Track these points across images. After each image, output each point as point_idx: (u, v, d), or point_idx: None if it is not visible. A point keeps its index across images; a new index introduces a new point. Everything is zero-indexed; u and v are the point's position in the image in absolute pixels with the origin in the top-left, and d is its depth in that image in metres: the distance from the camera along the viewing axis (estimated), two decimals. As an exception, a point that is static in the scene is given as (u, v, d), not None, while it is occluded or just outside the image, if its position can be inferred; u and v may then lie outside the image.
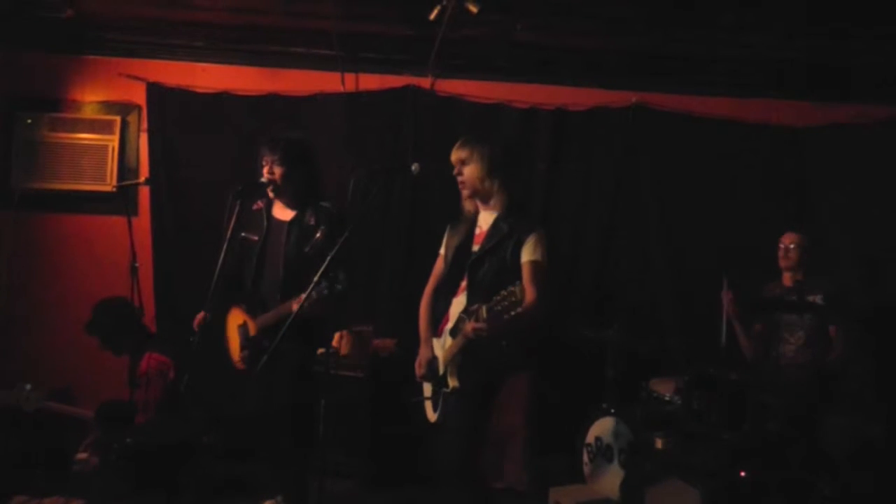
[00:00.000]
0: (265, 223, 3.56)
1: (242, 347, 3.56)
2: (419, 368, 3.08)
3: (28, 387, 3.69)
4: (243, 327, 3.56)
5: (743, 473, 3.32)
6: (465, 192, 3.05)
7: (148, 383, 3.66)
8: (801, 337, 3.99)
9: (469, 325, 2.74)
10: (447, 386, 2.91)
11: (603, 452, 3.81)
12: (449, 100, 4.82)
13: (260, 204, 3.62)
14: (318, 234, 3.42)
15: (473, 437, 2.93)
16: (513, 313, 2.55)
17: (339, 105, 4.74)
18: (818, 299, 3.89)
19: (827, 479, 3.60)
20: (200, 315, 3.53)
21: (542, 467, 4.32)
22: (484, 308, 2.67)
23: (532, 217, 3.02)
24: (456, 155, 3.02)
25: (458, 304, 2.97)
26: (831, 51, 4.45)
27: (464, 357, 2.85)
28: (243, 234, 3.57)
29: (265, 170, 3.50)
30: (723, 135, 4.91)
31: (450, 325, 3.00)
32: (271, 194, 3.54)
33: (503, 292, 2.57)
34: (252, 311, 3.52)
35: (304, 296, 3.06)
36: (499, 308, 2.59)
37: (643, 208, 4.91)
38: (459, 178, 3.02)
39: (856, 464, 3.70)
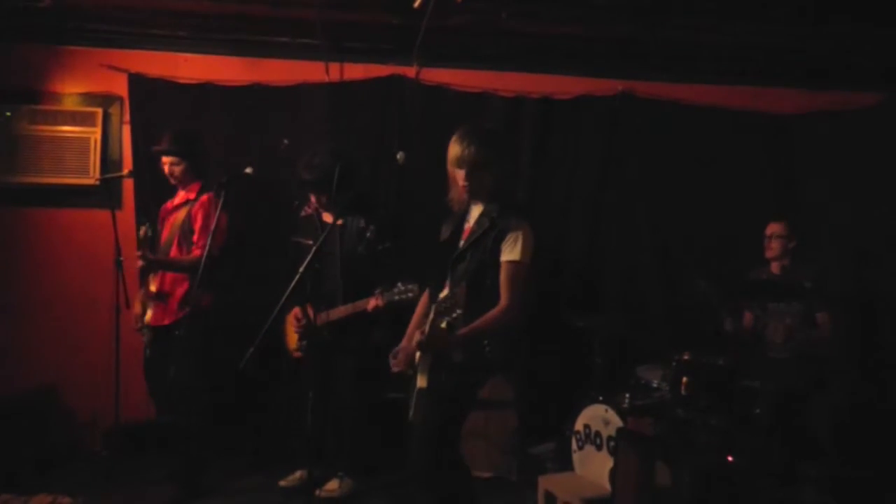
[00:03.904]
0: (318, 227, 3.90)
1: (301, 338, 3.89)
2: (392, 360, 3.02)
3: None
4: (306, 319, 3.84)
5: (731, 458, 3.35)
6: (461, 191, 2.93)
7: (203, 218, 3.87)
8: (787, 324, 4.02)
9: (416, 337, 2.78)
10: (416, 384, 2.87)
11: (592, 440, 3.83)
12: (435, 89, 4.80)
13: (308, 210, 4.00)
14: (368, 234, 3.82)
15: (441, 436, 2.80)
16: (454, 315, 2.58)
17: (323, 95, 4.70)
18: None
19: (814, 462, 3.65)
20: (297, 310, 3.88)
21: (530, 456, 4.36)
22: (429, 320, 2.69)
23: (519, 210, 2.90)
24: (451, 153, 2.88)
25: None
26: (817, 38, 4.46)
27: (434, 357, 2.80)
28: (297, 240, 3.98)
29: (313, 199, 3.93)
30: (709, 122, 4.91)
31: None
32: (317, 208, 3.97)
33: (448, 294, 2.62)
34: (316, 308, 3.68)
35: (378, 297, 3.55)
36: (441, 309, 2.62)
37: (630, 196, 4.90)
38: (462, 180, 2.88)
39: (842, 446, 3.75)
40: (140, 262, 3.79)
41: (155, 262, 3.84)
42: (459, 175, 2.88)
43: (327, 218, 3.94)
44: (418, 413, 2.84)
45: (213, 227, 3.68)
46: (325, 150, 3.90)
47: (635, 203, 4.90)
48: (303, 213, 4.04)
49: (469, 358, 2.79)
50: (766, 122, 4.97)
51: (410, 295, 3.46)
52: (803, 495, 3.58)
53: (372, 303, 3.69)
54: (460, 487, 2.86)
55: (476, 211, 2.96)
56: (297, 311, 3.89)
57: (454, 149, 2.88)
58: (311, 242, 3.78)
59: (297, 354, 3.96)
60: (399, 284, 3.53)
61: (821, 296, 3.92)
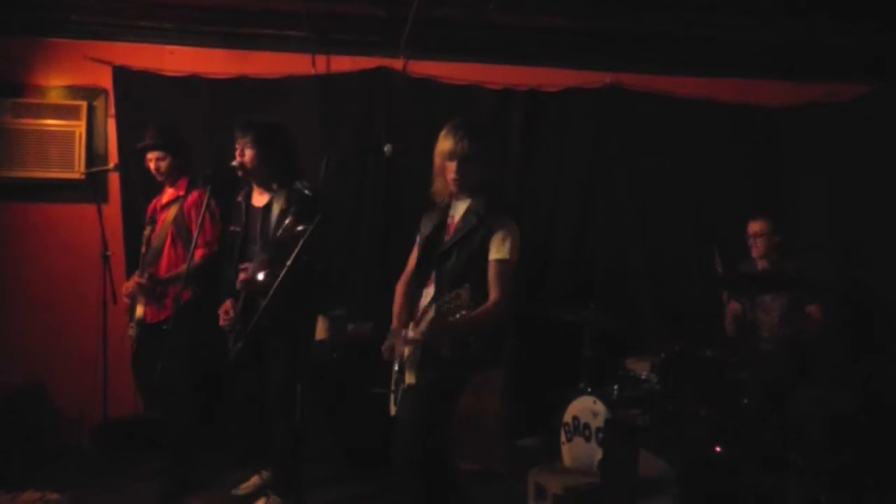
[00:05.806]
0: (244, 213, 3.68)
1: (235, 339, 3.61)
2: (385, 352, 3.00)
3: None
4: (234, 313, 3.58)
5: (718, 449, 3.36)
6: (449, 184, 2.89)
7: (198, 216, 3.71)
8: (775, 316, 4.03)
9: (409, 334, 2.77)
10: (404, 381, 2.86)
11: (580, 431, 3.84)
12: (422, 81, 4.78)
13: (240, 196, 3.76)
14: (288, 219, 3.49)
15: (427, 432, 2.79)
16: (458, 315, 2.56)
17: (310, 87, 4.67)
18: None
19: (801, 452, 3.67)
20: (228, 304, 3.60)
21: (520, 448, 4.37)
22: (430, 313, 2.66)
23: (506, 208, 2.89)
24: (442, 146, 2.86)
25: (428, 295, 2.90)
26: (806, 30, 4.48)
27: (423, 353, 2.79)
28: (231, 228, 3.74)
29: (237, 152, 3.59)
30: (697, 115, 4.92)
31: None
32: (242, 175, 3.62)
33: (450, 294, 2.59)
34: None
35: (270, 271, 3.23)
36: (444, 309, 2.59)
37: (618, 189, 4.91)
38: (452, 173, 2.85)
39: (829, 436, 3.77)
40: (146, 283, 3.76)
41: (161, 282, 3.79)
42: (450, 167, 2.86)
43: (256, 201, 3.70)
44: (404, 409, 2.84)
45: (207, 222, 3.66)
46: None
47: (623, 195, 4.90)
48: (237, 199, 3.78)
49: (454, 354, 2.78)
50: (754, 114, 4.99)
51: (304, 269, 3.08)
52: (791, 485, 3.60)
53: (260, 276, 3.39)
54: (445, 482, 2.85)
55: (461, 206, 2.93)
56: (227, 304, 3.62)
57: (445, 141, 2.86)
58: (238, 229, 3.67)
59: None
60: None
61: (810, 287, 3.93)
